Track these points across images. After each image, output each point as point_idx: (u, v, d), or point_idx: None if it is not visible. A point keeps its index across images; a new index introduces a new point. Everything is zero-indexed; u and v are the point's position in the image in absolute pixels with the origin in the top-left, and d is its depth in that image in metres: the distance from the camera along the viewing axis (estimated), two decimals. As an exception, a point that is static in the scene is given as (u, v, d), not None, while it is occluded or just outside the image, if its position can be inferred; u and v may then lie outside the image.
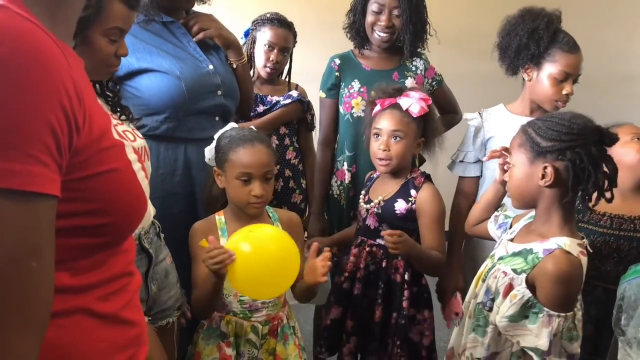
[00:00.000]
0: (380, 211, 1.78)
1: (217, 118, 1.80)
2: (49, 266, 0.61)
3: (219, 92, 1.77)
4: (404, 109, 1.72)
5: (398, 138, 1.72)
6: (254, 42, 2.25)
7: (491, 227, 1.58)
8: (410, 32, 1.98)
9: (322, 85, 2.13)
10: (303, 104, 2.24)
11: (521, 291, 1.27)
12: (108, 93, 1.42)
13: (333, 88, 2.09)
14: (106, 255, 0.74)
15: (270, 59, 2.19)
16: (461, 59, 3.37)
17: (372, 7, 1.99)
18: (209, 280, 1.40)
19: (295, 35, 2.27)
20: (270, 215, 1.65)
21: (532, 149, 1.31)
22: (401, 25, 1.98)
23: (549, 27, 1.78)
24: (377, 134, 1.75)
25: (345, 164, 2.10)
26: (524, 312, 1.27)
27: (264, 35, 2.20)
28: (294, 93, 2.24)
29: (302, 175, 2.28)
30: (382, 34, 2.00)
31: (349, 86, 2.06)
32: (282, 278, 1.39)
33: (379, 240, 1.78)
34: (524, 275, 1.28)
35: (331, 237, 2.06)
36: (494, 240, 1.57)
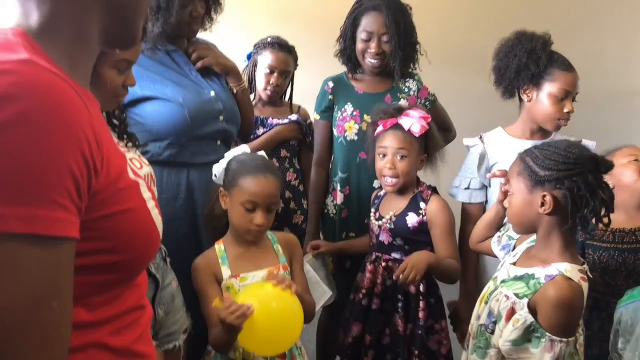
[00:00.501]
0: (392, 226, 1.83)
1: (218, 142, 1.82)
2: (69, 305, 0.64)
3: (221, 118, 1.80)
4: (406, 129, 1.77)
5: (403, 156, 1.78)
6: (255, 65, 2.28)
7: (495, 247, 1.59)
8: (400, 57, 2.00)
9: (316, 107, 2.16)
10: (300, 124, 2.27)
11: (523, 315, 1.28)
12: (115, 121, 1.44)
13: (326, 110, 2.12)
14: (119, 291, 0.76)
15: (270, 82, 2.22)
16: (458, 76, 3.40)
17: (362, 35, 2.01)
18: (223, 336, 1.41)
19: (296, 58, 2.30)
20: (270, 237, 1.67)
21: (530, 178, 1.32)
22: (390, 51, 2.00)
23: (545, 48, 1.82)
24: (383, 153, 1.81)
25: (338, 185, 2.12)
26: (527, 336, 1.28)
27: (265, 59, 2.24)
28: (294, 116, 2.27)
29: (302, 196, 2.30)
30: (372, 61, 2.02)
31: (342, 109, 2.09)
32: (287, 333, 1.44)
33: (394, 255, 1.84)
34: (525, 300, 1.29)
35: (335, 244, 2.08)
36: (497, 257, 1.59)
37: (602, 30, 3.72)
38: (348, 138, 2.08)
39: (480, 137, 1.95)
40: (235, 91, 1.90)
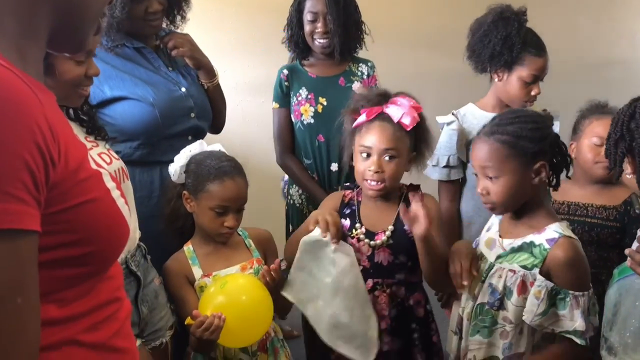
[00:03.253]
0: (392, 241, 1.54)
1: (189, 137, 1.79)
2: (35, 301, 0.63)
3: (192, 115, 1.79)
4: (395, 121, 1.49)
5: (392, 157, 1.50)
6: None
7: None
8: (340, 35, 2.01)
9: (274, 96, 2.17)
10: None
11: (543, 285, 1.32)
12: (83, 116, 1.42)
13: (284, 97, 2.13)
14: (92, 284, 0.75)
15: None
16: (435, 58, 3.39)
17: (307, 16, 2.04)
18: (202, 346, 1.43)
19: None
20: (240, 233, 1.66)
21: (524, 154, 1.36)
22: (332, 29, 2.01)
23: (520, 32, 1.81)
24: (367, 153, 1.51)
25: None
26: (552, 301, 1.32)
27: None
28: None
29: None
30: (321, 41, 2.04)
31: (297, 94, 2.10)
32: (260, 323, 1.46)
33: (398, 276, 1.55)
34: (537, 270, 1.34)
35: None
36: None
37: (573, 4, 3.76)
38: (305, 122, 2.09)
39: (454, 114, 1.95)
40: (207, 87, 1.87)
